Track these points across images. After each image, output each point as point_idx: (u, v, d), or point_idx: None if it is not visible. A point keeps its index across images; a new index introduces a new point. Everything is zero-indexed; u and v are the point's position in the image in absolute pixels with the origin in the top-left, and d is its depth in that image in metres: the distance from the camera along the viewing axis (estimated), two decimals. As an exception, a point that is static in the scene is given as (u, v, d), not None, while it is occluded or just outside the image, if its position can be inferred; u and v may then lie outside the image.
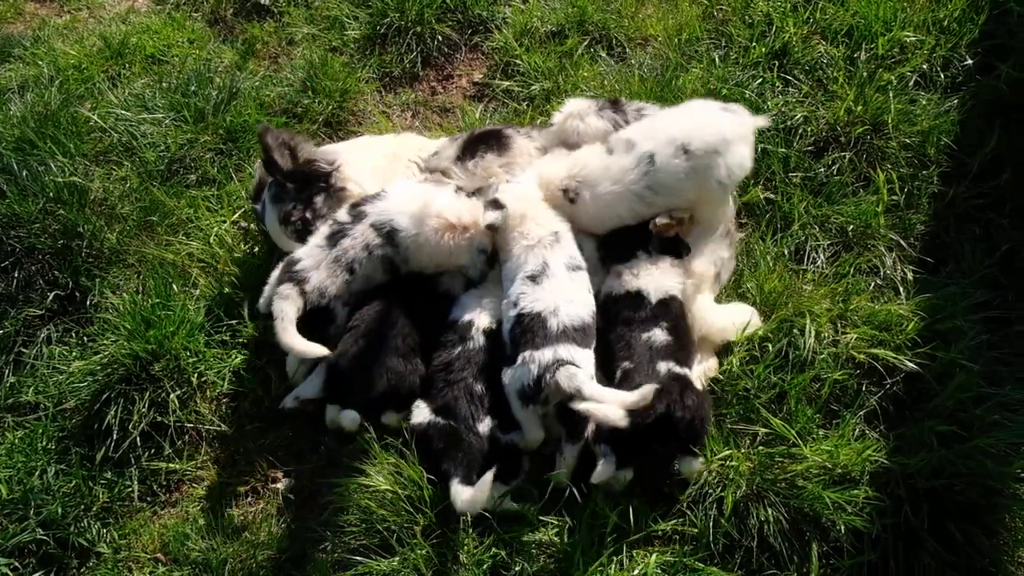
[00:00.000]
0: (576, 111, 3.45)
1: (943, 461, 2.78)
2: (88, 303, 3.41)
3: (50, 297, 3.43)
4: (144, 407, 3.06)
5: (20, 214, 3.59)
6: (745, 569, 2.72)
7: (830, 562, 2.70)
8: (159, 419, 3.10)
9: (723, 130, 3.10)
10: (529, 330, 2.91)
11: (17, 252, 3.53)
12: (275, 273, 3.13)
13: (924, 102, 3.85)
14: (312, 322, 3.02)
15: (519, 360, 2.86)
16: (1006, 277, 3.38)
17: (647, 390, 2.62)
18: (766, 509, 2.76)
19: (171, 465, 3.07)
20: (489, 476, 2.67)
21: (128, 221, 3.72)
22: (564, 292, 2.99)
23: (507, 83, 4.40)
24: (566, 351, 2.83)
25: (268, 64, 4.75)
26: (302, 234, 3.27)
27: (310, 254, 3.09)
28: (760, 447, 2.91)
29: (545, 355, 2.82)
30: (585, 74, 4.31)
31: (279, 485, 3.06)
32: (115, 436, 3.03)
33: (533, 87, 4.32)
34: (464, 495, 2.66)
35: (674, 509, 2.86)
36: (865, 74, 3.91)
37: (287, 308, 2.96)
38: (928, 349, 3.01)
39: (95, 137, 4.22)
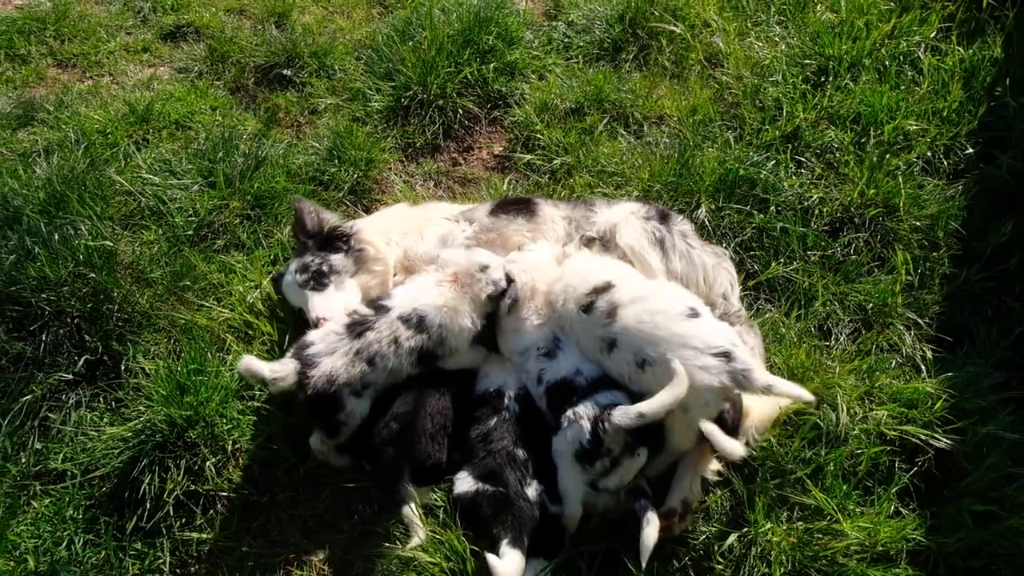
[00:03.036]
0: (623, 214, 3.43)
1: (980, 541, 2.83)
2: (121, 367, 3.37)
3: (80, 362, 3.38)
4: (179, 475, 3.01)
5: (50, 277, 3.57)
6: (791, 648, 2.72)
7: (874, 640, 2.71)
8: (192, 487, 3.04)
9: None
10: (562, 395, 2.98)
11: (46, 315, 3.50)
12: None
13: (931, 187, 4.05)
14: (317, 407, 3.01)
15: (565, 422, 2.89)
16: (1021, 358, 3.51)
17: (676, 374, 2.67)
18: (807, 585, 2.78)
19: (203, 535, 3.01)
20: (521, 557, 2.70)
21: (158, 285, 3.72)
22: (578, 356, 3.07)
23: (528, 156, 4.54)
24: (605, 397, 2.88)
25: (292, 133, 4.85)
26: (317, 283, 3.37)
27: (324, 339, 3.07)
28: (799, 523, 2.94)
29: (589, 407, 2.86)
30: (605, 150, 4.47)
31: (316, 557, 3.00)
32: (148, 505, 2.96)
33: (554, 161, 4.46)
34: (507, 565, 2.63)
35: (716, 585, 2.86)
36: (874, 159, 4.12)
37: (278, 364, 2.98)
38: (959, 424, 3.09)
39: (121, 201, 4.24)
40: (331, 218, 3.63)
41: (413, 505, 2.90)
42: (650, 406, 2.72)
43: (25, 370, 3.40)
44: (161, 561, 2.94)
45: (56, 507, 3.03)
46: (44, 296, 3.54)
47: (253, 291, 3.72)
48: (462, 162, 4.74)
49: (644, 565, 2.69)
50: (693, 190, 4.12)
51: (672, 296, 2.96)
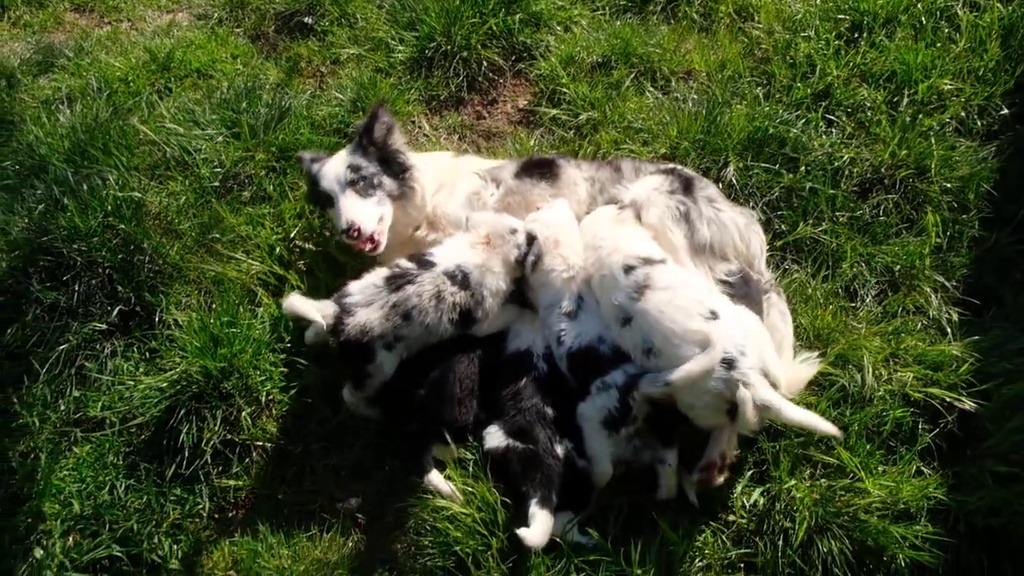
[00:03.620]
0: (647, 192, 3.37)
1: (1000, 501, 2.89)
2: (155, 319, 3.41)
3: (114, 312, 3.43)
4: (215, 424, 3.08)
5: (80, 227, 3.59)
6: (810, 599, 2.80)
7: (891, 592, 2.79)
8: (228, 436, 3.11)
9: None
10: (587, 362, 3.00)
11: (78, 266, 3.53)
12: None
13: (963, 149, 4.00)
14: (348, 355, 3.04)
15: (593, 390, 2.93)
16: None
17: (711, 350, 2.69)
18: (830, 541, 2.84)
19: (240, 483, 3.09)
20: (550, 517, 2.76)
21: (187, 237, 3.74)
22: (601, 323, 3.08)
23: (554, 111, 4.49)
24: (633, 367, 2.93)
25: (314, 83, 4.81)
26: (363, 188, 3.35)
27: (363, 290, 3.09)
28: (821, 480, 3.00)
29: (616, 377, 2.91)
30: (632, 106, 4.41)
31: (350, 504, 3.09)
32: (186, 453, 3.04)
33: (580, 116, 4.41)
34: (537, 527, 2.70)
35: (741, 538, 2.93)
36: (907, 118, 4.06)
37: (320, 304, 3.02)
38: (984, 387, 3.12)
39: (146, 150, 4.23)
40: (399, 140, 3.57)
41: (435, 474, 2.96)
42: (677, 374, 2.75)
43: (60, 319, 3.44)
44: (200, 507, 3.03)
45: (97, 453, 3.12)
46: (75, 246, 3.57)
47: (281, 244, 3.74)
48: (486, 116, 4.69)
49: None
50: (721, 148, 4.08)
51: (698, 295, 2.93)
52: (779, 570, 2.82)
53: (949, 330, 3.48)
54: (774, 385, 2.77)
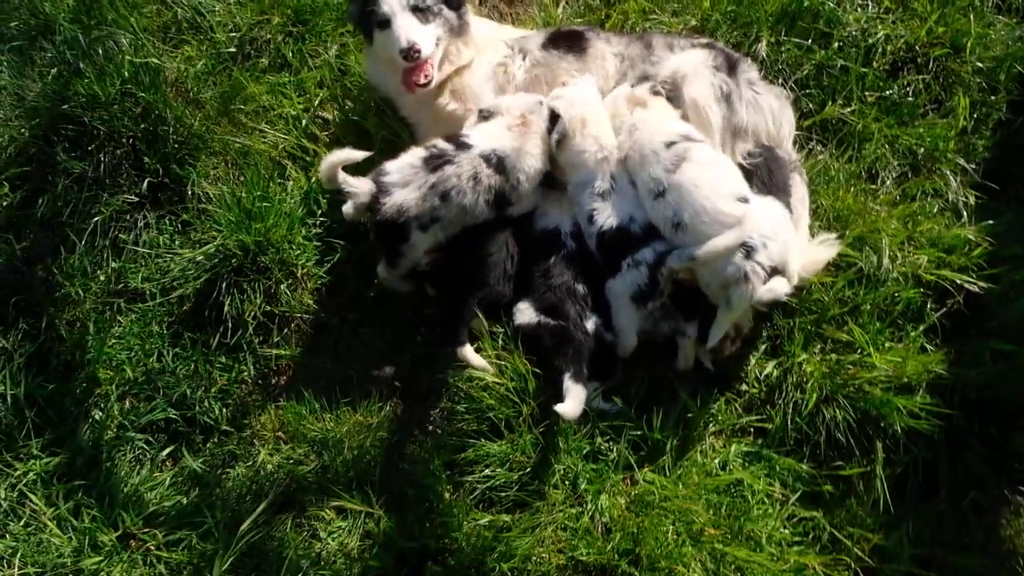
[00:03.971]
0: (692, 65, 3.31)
1: (996, 376, 3.10)
2: (185, 191, 3.44)
3: (143, 184, 3.45)
4: (257, 297, 3.19)
5: (99, 95, 3.52)
6: (814, 460, 3.06)
7: (889, 456, 3.04)
8: (268, 308, 3.24)
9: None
10: (618, 241, 3.08)
11: (101, 135, 3.50)
12: None
13: (1000, 26, 3.91)
14: (384, 234, 3.09)
15: (623, 267, 3.04)
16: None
17: (739, 229, 2.81)
18: (835, 410, 3.07)
19: (281, 351, 3.25)
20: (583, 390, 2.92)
21: (208, 106, 3.69)
22: (634, 204, 3.13)
23: (577, -26, 4.30)
24: (661, 244, 3.02)
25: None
26: (422, 12, 3.25)
27: (400, 170, 3.09)
28: (831, 354, 3.19)
29: (646, 254, 3.01)
30: (662, -30, 4.23)
31: (385, 372, 3.26)
32: (230, 324, 3.17)
33: (606, -19, 4.24)
34: (572, 401, 2.86)
35: (752, 406, 3.16)
36: (945, -7, 3.94)
37: (353, 180, 3.04)
38: (994, 271, 3.25)
39: (154, 10, 4.07)
40: None
41: (469, 348, 3.09)
42: (704, 249, 2.85)
43: (90, 190, 3.47)
44: (246, 373, 3.21)
45: (141, 323, 3.24)
46: (96, 114, 3.53)
47: (306, 115, 3.70)
48: (506, -22, 4.49)
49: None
50: (753, 20, 3.97)
51: (734, 178, 2.98)
52: (787, 436, 3.06)
53: (965, 213, 3.56)
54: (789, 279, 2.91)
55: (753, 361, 3.23)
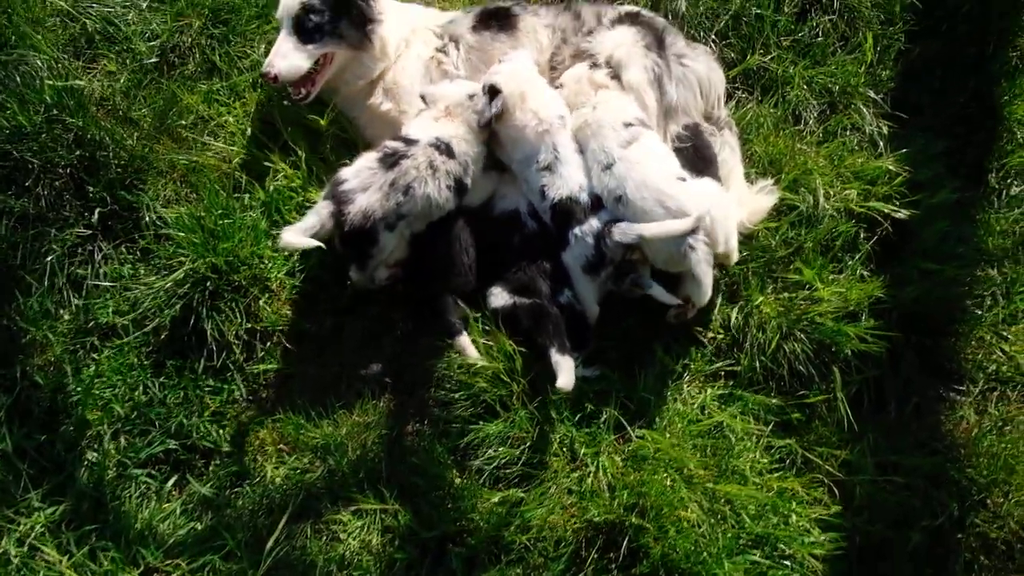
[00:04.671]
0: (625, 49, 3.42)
1: (923, 292, 3.47)
2: (140, 218, 3.36)
3: (93, 214, 3.34)
4: (238, 316, 3.20)
5: (24, 125, 3.36)
6: (781, 392, 3.37)
7: (845, 378, 3.38)
8: (249, 325, 3.25)
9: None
10: (568, 211, 3.22)
11: (36, 169, 3.35)
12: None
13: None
14: (352, 242, 3.13)
15: (571, 239, 3.20)
16: (960, 125, 3.98)
17: (694, 219, 2.99)
18: (793, 343, 3.37)
19: (268, 366, 3.28)
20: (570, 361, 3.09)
21: (144, 124, 3.57)
22: (580, 170, 3.27)
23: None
24: (606, 213, 3.20)
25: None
26: (304, 30, 3.28)
27: (357, 175, 3.12)
28: (784, 293, 3.48)
29: (592, 224, 3.17)
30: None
31: (372, 370, 3.35)
32: (214, 347, 3.17)
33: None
34: (565, 374, 3.02)
35: (720, 352, 3.43)
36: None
37: (309, 217, 3.06)
38: (915, 198, 3.60)
39: (58, 23, 3.83)
40: None
41: (464, 336, 3.22)
42: (649, 229, 3.05)
43: (35, 227, 3.33)
44: (237, 393, 3.23)
45: (119, 358, 3.20)
46: (25, 146, 3.37)
47: (247, 120, 3.64)
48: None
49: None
50: (666, -28, 4.11)
51: (675, 164, 3.20)
52: (755, 374, 3.36)
53: (881, 144, 3.89)
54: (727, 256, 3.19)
55: (716, 308, 3.48)
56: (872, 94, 4.00)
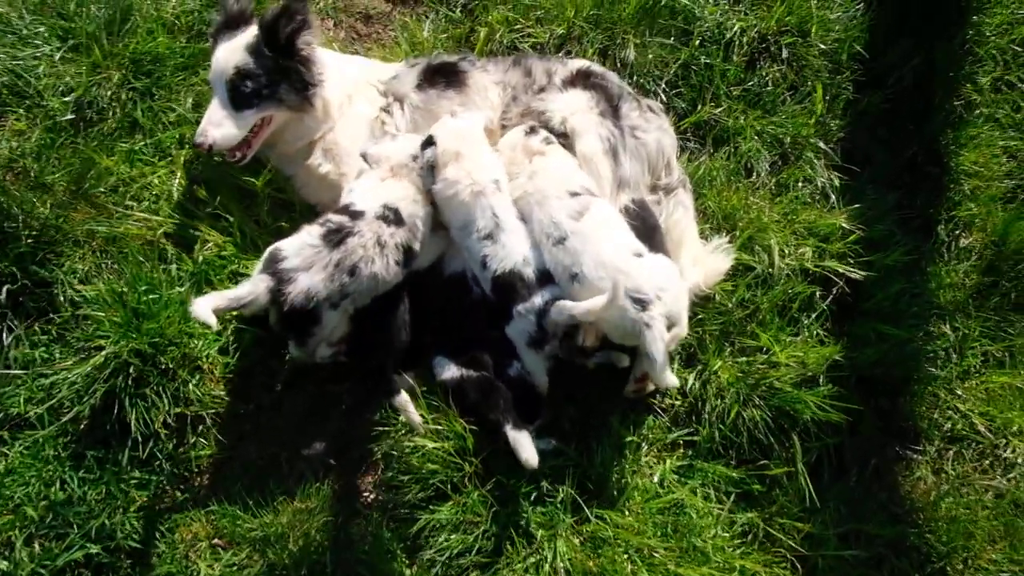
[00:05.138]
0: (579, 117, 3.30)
1: (882, 355, 3.43)
2: (56, 295, 3.08)
3: (3, 293, 3.05)
4: (164, 402, 2.96)
5: (-80, 195, 3.06)
6: (740, 461, 3.28)
7: (804, 444, 3.31)
8: (178, 410, 3.01)
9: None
10: (510, 286, 3.05)
11: (-65, 244, 3.06)
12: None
13: (838, 6, 4.18)
14: (292, 322, 2.93)
15: (514, 315, 3.04)
16: (909, 176, 3.98)
17: (612, 292, 2.82)
18: (752, 410, 3.29)
19: (200, 452, 3.05)
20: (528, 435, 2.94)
21: (58, 189, 3.29)
22: (525, 242, 3.10)
23: (432, -16, 4.15)
24: (549, 291, 3.03)
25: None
26: (240, 96, 3.10)
27: (299, 252, 2.90)
28: (742, 358, 3.40)
29: (535, 302, 3.01)
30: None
31: (314, 448, 3.15)
32: (139, 437, 2.93)
33: (463, -10, 4.12)
34: (525, 450, 2.88)
35: (678, 420, 3.33)
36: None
37: (243, 287, 2.83)
38: (869, 258, 3.58)
39: (-43, 78, 3.53)
40: (310, 45, 3.21)
41: (404, 395, 3.04)
42: (579, 308, 2.89)
43: (-66, 309, 3.03)
44: (165, 484, 2.99)
45: (34, 451, 2.92)
46: (-79, 219, 3.07)
47: (173, 181, 3.39)
48: (358, -9, 4.25)
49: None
50: (616, 20, 4.01)
51: (629, 234, 3.07)
52: (714, 444, 3.26)
53: (833, 196, 3.85)
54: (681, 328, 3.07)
55: (672, 372, 3.37)
56: (822, 145, 3.97)
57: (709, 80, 3.98)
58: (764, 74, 4.05)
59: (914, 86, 4.12)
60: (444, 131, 3.19)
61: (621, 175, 3.23)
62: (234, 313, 3.17)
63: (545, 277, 3.06)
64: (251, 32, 3.12)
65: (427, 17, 4.14)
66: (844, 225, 3.64)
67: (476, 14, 4.10)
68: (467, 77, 3.45)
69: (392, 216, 3.04)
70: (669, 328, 2.96)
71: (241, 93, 3.08)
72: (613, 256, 2.92)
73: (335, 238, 2.91)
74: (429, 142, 3.14)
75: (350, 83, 3.40)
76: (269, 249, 2.96)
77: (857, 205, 3.75)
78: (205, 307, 2.69)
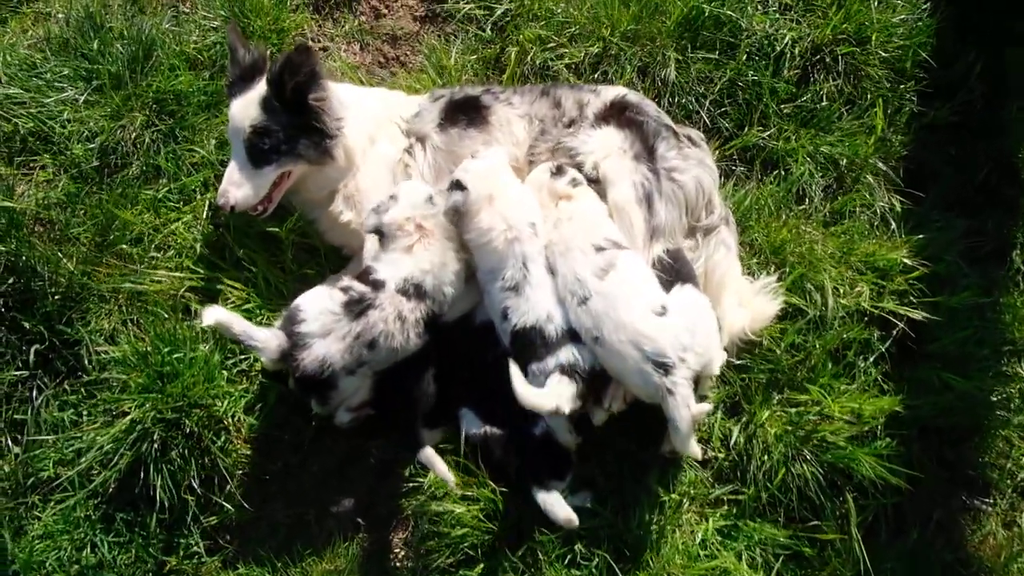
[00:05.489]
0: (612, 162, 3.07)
1: (947, 406, 3.17)
2: (82, 356, 3.06)
3: (30, 352, 3.04)
4: (188, 466, 2.92)
5: (-51, 256, 3.06)
6: (789, 520, 3.08)
7: (857, 503, 3.09)
8: (203, 473, 2.97)
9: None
10: (528, 343, 2.86)
11: (-40, 302, 3.06)
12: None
13: (901, 8, 3.83)
14: (307, 386, 2.84)
15: (530, 375, 2.84)
16: (982, 198, 3.64)
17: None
18: (802, 465, 3.08)
19: (228, 513, 3.00)
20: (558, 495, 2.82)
21: (81, 242, 3.26)
22: (551, 296, 2.90)
23: (463, 3, 3.95)
24: (567, 353, 2.83)
25: (167, 3, 3.97)
26: (259, 152, 3.00)
27: (318, 317, 2.79)
28: (791, 408, 3.18)
29: (549, 364, 2.83)
30: (556, -10, 3.93)
31: (343, 506, 3.08)
32: (166, 502, 2.90)
33: (495, 9, 3.90)
34: (559, 511, 2.77)
35: (722, 475, 3.14)
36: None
37: (259, 332, 2.75)
38: (935, 299, 3.31)
39: (-12, 123, 3.52)
40: (324, 94, 3.05)
41: (430, 449, 2.93)
42: (531, 402, 2.71)
43: (-36, 370, 3.04)
44: (195, 546, 2.96)
45: (64, 515, 2.92)
46: (-52, 278, 3.07)
47: (197, 227, 3.32)
48: (385, 11, 4.09)
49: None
50: (656, 35, 3.75)
51: (653, 288, 2.85)
52: (761, 502, 3.06)
53: (893, 224, 3.56)
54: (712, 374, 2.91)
55: (717, 423, 3.18)
56: (882, 165, 3.66)
57: (757, 97, 3.70)
58: (818, 89, 3.74)
59: (986, 97, 3.74)
60: (471, 175, 2.98)
61: (655, 224, 3.00)
62: (258, 367, 3.13)
63: (570, 334, 2.87)
64: (264, 84, 2.99)
65: (456, 36, 3.95)
66: (906, 261, 3.34)
67: (507, 32, 3.89)
68: (489, 113, 3.26)
69: (412, 290, 2.89)
70: (698, 378, 2.80)
71: (259, 150, 2.98)
72: (633, 318, 2.71)
73: (356, 308, 2.80)
74: (458, 186, 2.96)
75: (371, 123, 3.26)
76: (292, 305, 2.86)
77: (921, 235, 3.45)
78: (212, 316, 2.67)
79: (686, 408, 2.69)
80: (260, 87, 2.99)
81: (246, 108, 2.98)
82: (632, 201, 2.95)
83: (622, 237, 2.93)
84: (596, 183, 3.04)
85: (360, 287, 2.85)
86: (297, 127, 3.00)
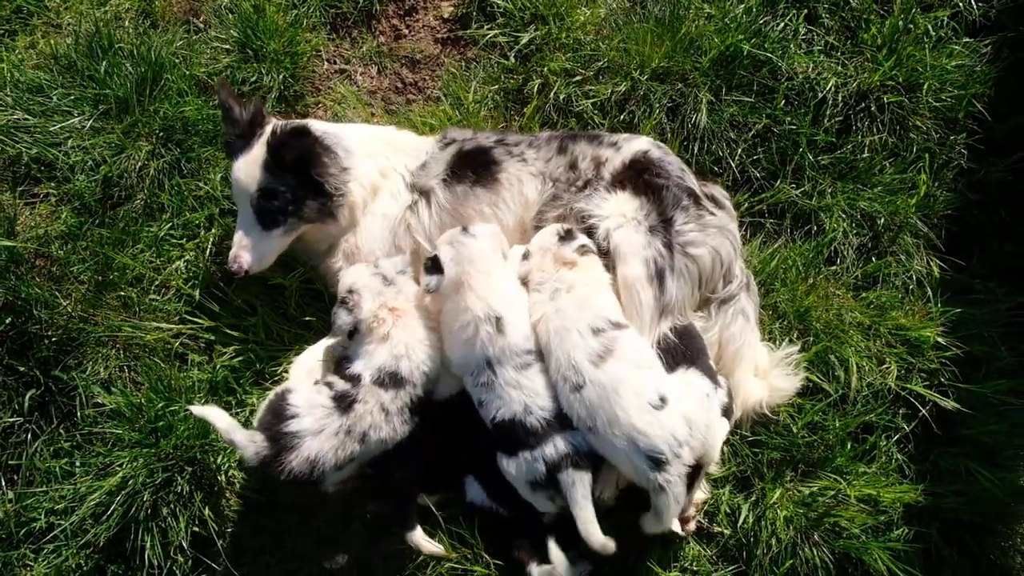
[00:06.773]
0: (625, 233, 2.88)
1: (971, 499, 2.99)
2: (76, 402, 3.01)
3: (26, 397, 3.00)
4: (179, 524, 2.86)
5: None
6: (796, 609, 2.96)
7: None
8: (196, 530, 2.92)
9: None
10: (512, 435, 2.71)
11: (-44, 344, 3.01)
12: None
13: (957, 54, 3.54)
14: (294, 485, 2.71)
15: (520, 457, 2.70)
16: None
17: None
18: (812, 550, 2.94)
19: (220, 567, 2.96)
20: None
21: (81, 281, 3.18)
22: (523, 392, 2.72)
23: (488, 30, 3.74)
24: (563, 442, 2.69)
25: (180, 14, 3.82)
26: (268, 217, 2.93)
27: (310, 411, 2.66)
28: (804, 488, 3.03)
29: (547, 451, 2.67)
30: (582, 18, 3.70)
31: (337, 562, 3.02)
32: (156, 560, 2.85)
33: (521, 36, 3.69)
34: None
35: (727, 553, 3.02)
36: (899, 22, 3.52)
37: (237, 433, 2.59)
38: (968, 386, 3.11)
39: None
40: (323, 162, 2.96)
41: (419, 531, 2.84)
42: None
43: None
44: (185, 602, 2.92)
45: (55, 566, 2.89)
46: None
47: (198, 265, 3.23)
48: (406, 32, 3.90)
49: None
50: (688, 72, 3.53)
51: (652, 376, 2.66)
52: (765, 586, 2.95)
53: (929, 291, 3.34)
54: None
55: (724, 498, 3.05)
56: (923, 226, 3.43)
57: (794, 146, 3.47)
58: (860, 139, 3.49)
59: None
60: (450, 258, 2.81)
61: (665, 301, 2.83)
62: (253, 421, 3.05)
63: (559, 420, 2.70)
64: (266, 141, 2.86)
65: (477, 63, 3.75)
66: (940, 340, 3.13)
67: (531, 63, 3.68)
68: (499, 170, 3.08)
69: (388, 380, 2.76)
70: (697, 467, 2.67)
71: (267, 212, 2.90)
72: (629, 411, 2.56)
73: (342, 403, 2.69)
74: (435, 266, 2.80)
75: (376, 173, 3.11)
76: (277, 393, 2.74)
77: (959, 308, 3.23)
78: (199, 411, 2.61)
79: (676, 505, 2.59)
80: (263, 142, 2.86)
81: (251, 168, 2.88)
82: (643, 279, 2.78)
83: (622, 316, 2.76)
84: (606, 256, 2.86)
85: (342, 385, 2.74)
86: (304, 187, 2.92)
